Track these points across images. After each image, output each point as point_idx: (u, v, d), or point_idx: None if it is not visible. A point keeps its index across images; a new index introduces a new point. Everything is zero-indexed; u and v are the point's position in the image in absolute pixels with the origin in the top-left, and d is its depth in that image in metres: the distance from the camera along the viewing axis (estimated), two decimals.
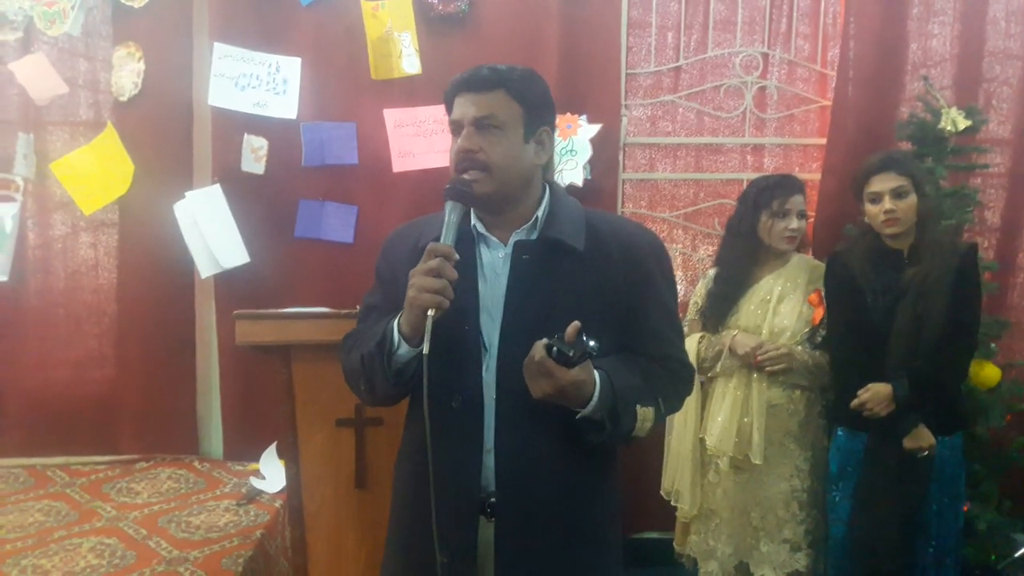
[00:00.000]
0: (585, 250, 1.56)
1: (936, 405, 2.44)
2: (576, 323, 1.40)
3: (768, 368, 2.55)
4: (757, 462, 2.57)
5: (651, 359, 1.60)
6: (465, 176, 1.51)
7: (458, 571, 1.51)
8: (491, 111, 1.51)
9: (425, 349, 1.38)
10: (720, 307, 2.67)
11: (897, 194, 2.44)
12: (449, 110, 1.59)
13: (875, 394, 2.43)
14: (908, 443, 2.42)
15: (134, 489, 2.90)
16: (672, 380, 1.63)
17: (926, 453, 2.43)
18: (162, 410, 3.21)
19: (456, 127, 1.55)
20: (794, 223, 2.59)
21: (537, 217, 1.58)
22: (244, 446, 3.18)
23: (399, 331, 1.49)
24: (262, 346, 2.06)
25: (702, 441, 2.69)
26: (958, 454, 2.55)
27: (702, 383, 2.73)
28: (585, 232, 1.58)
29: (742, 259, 2.66)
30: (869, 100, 3.15)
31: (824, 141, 3.23)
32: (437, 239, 1.48)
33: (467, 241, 1.57)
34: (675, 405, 1.67)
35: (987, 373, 2.91)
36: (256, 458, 3.03)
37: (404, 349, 1.49)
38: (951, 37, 3.20)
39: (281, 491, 2.78)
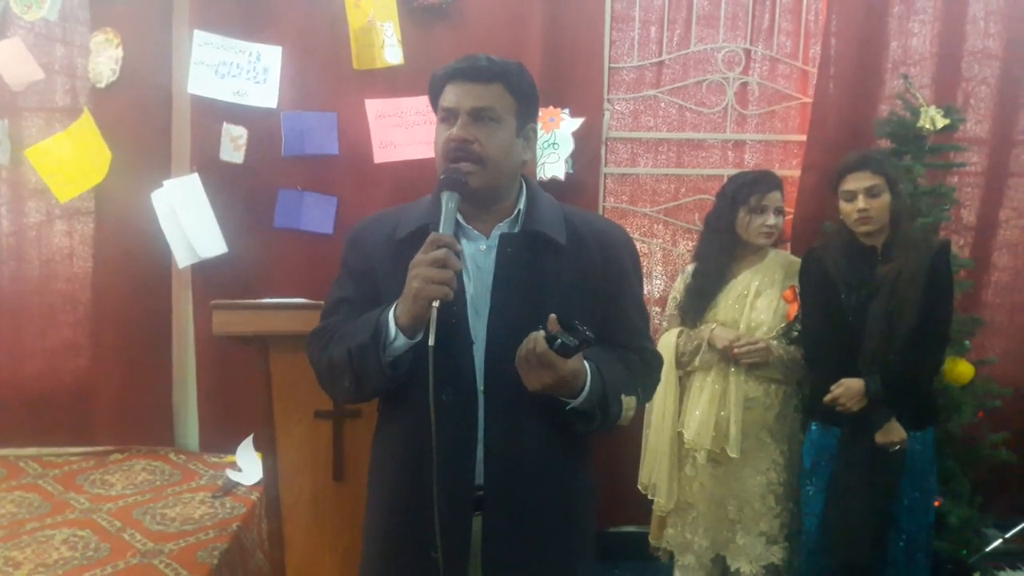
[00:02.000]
0: (566, 243, 1.57)
1: (908, 400, 2.47)
2: (552, 316, 1.40)
3: (745, 361, 2.57)
4: (734, 455, 2.59)
5: (628, 351, 1.63)
6: (456, 165, 1.50)
7: (451, 567, 1.51)
8: (491, 103, 1.50)
9: (431, 340, 1.36)
10: (698, 302, 2.69)
11: (871, 193, 2.47)
12: (436, 97, 1.57)
13: (847, 389, 2.46)
14: (880, 437, 2.45)
15: (108, 481, 2.87)
16: (648, 370, 1.67)
17: (897, 447, 2.46)
18: (137, 401, 3.17)
19: (450, 115, 1.53)
20: (771, 219, 2.62)
21: (519, 211, 1.58)
22: (220, 438, 3.15)
23: (396, 323, 1.45)
24: (240, 336, 2.04)
25: (679, 435, 2.70)
26: (929, 449, 2.58)
27: (680, 377, 2.74)
28: (564, 226, 1.59)
29: (720, 254, 2.68)
30: (849, 97, 3.18)
31: (804, 138, 3.25)
32: (422, 228, 1.47)
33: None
34: (650, 394, 1.72)
35: (960, 370, 2.94)
36: (232, 450, 3.00)
37: (401, 341, 1.46)
38: (931, 36, 3.23)
39: (257, 483, 2.77)
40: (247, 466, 2.89)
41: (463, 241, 1.56)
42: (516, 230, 1.57)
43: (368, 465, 1.71)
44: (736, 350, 2.57)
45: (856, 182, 2.49)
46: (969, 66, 3.27)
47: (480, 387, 1.52)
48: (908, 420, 2.47)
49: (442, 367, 1.46)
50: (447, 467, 1.47)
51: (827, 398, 2.48)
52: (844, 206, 2.52)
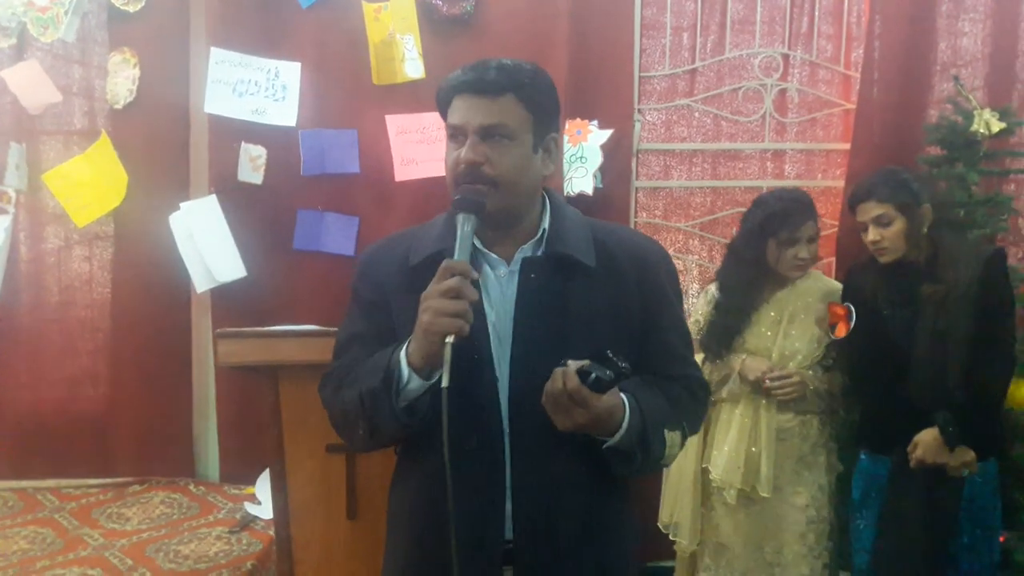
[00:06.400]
0: (596, 265, 1.43)
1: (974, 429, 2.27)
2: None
3: (780, 397, 2.41)
4: (765, 495, 2.42)
5: (670, 380, 1.47)
6: (471, 185, 1.36)
7: None
8: (501, 119, 1.36)
9: (445, 381, 1.23)
10: (721, 337, 2.50)
11: (880, 223, 2.31)
12: (445, 109, 1.43)
13: (925, 446, 2.26)
14: (952, 461, 2.25)
15: (124, 514, 2.79)
16: (693, 401, 1.51)
17: (967, 473, 2.27)
18: (157, 430, 3.11)
19: (458, 133, 1.39)
20: (804, 251, 2.44)
21: (544, 230, 1.44)
22: (241, 468, 3.05)
23: (408, 362, 1.32)
24: (247, 367, 1.93)
25: (704, 471, 2.53)
26: (992, 481, 2.38)
27: None
28: (593, 245, 1.45)
29: (746, 287, 2.49)
30: (895, 102, 3.00)
31: (848, 146, 3.08)
32: (438, 253, 1.35)
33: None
34: (696, 427, 1.55)
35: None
36: (253, 481, 2.91)
37: (415, 383, 1.32)
38: (982, 35, 3.03)
39: None
40: (266, 498, 2.76)
41: (484, 268, 1.43)
42: (540, 253, 1.43)
43: (386, 509, 1.58)
44: (768, 384, 2.40)
45: (864, 213, 2.34)
46: None
47: (506, 429, 1.38)
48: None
49: (465, 410, 1.33)
50: (472, 520, 1.35)
51: (912, 464, 2.27)
52: (862, 235, 2.38)
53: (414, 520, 1.47)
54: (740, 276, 2.50)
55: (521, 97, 1.38)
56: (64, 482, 3.05)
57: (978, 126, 2.71)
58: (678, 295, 1.54)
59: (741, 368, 2.45)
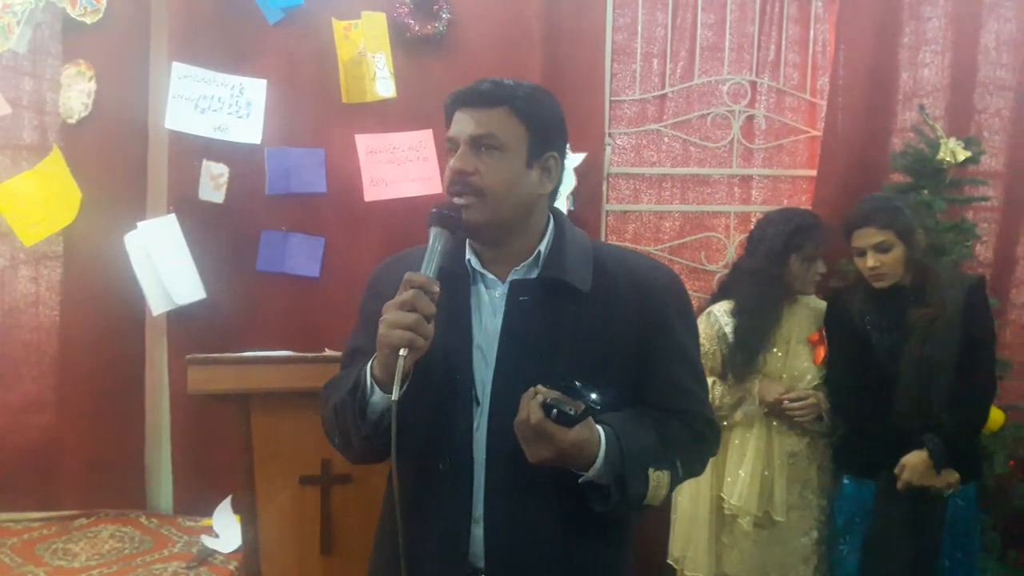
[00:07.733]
0: (592, 291, 1.38)
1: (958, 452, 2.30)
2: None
3: (799, 419, 2.39)
4: (780, 519, 2.41)
5: (668, 414, 1.41)
6: (456, 200, 1.34)
7: None
8: (490, 129, 1.34)
9: (394, 395, 1.19)
10: (748, 359, 2.45)
11: (880, 249, 2.33)
12: (448, 125, 1.42)
13: (913, 468, 2.27)
14: (939, 483, 2.27)
15: (71, 550, 2.64)
16: (694, 439, 1.43)
17: (951, 492, 2.29)
18: (106, 460, 2.95)
19: (452, 144, 1.38)
20: (823, 267, 2.50)
21: (539, 252, 1.40)
22: (197, 499, 2.92)
23: (372, 375, 1.30)
24: (218, 395, 1.83)
25: (718, 499, 2.49)
26: (972, 505, 2.42)
27: None
28: (593, 270, 1.40)
29: (770, 306, 2.47)
30: (860, 130, 3.05)
31: (814, 172, 3.11)
32: (436, 270, 1.31)
33: (462, 278, 1.39)
34: (696, 468, 1.47)
35: (992, 416, 2.75)
36: (209, 513, 2.79)
37: (378, 396, 1.29)
38: (943, 66, 3.10)
39: (236, 550, 2.54)
40: (225, 531, 2.67)
41: (480, 288, 1.40)
42: (533, 275, 1.39)
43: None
44: (786, 406, 2.39)
45: (863, 239, 2.35)
46: (982, 97, 3.14)
47: (483, 454, 1.34)
48: None
49: (440, 430, 1.33)
50: (435, 545, 1.34)
51: (900, 486, 2.28)
52: (857, 260, 2.39)
53: (385, 545, 1.44)
54: (763, 295, 2.46)
55: (515, 110, 1.36)
56: (4, 515, 2.88)
57: (944, 155, 2.77)
58: (688, 327, 1.48)
59: (759, 390, 2.43)
